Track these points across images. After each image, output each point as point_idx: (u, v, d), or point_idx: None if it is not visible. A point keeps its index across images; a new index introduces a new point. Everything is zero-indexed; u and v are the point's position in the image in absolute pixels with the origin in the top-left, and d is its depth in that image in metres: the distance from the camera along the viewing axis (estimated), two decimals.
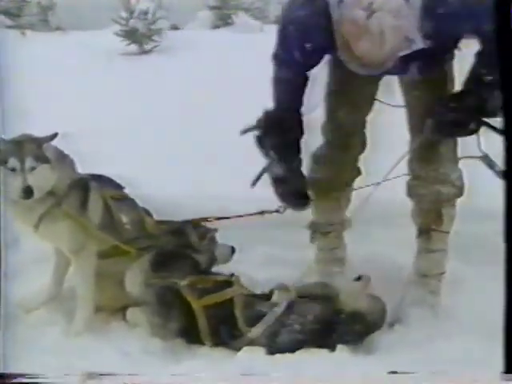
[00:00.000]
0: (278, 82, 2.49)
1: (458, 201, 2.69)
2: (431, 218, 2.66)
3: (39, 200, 2.44)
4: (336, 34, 2.20)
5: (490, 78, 2.27)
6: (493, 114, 2.32)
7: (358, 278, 2.58)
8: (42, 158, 2.42)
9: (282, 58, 2.45)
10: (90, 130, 4.05)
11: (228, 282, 2.54)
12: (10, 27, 5.86)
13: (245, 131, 2.56)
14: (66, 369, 2.19)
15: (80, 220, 2.51)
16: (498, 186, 2.72)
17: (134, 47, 6.15)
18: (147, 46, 6.18)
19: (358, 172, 2.77)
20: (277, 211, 2.64)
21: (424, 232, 2.69)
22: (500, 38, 2.05)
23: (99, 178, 2.66)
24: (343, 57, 2.23)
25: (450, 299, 2.65)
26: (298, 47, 2.35)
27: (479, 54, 2.32)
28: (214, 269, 2.68)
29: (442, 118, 2.37)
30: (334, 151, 2.70)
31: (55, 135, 2.48)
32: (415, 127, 2.58)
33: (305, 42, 2.33)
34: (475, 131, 2.37)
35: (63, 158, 2.56)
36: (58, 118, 3.70)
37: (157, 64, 5.73)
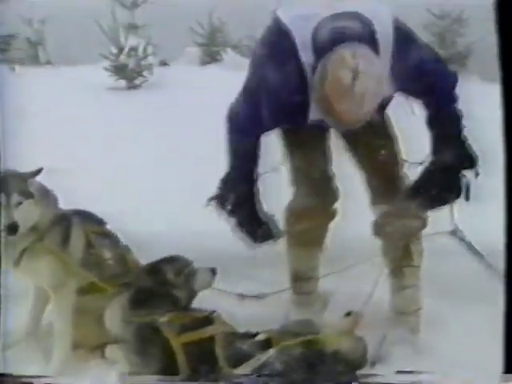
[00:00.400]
0: (237, 146, 2.52)
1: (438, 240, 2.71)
2: (401, 254, 2.67)
3: (21, 235, 2.44)
4: (314, 91, 2.24)
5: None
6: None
7: (348, 314, 2.58)
8: (27, 194, 2.43)
9: (245, 119, 2.45)
10: (77, 166, 4.06)
11: (209, 319, 2.51)
12: None
13: (210, 200, 2.66)
14: None
15: (61, 256, 2.51)
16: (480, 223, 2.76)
17: (122, 82, 6.19)
18: (136, 82, 6.23)
19: (334, 215, 2.76)
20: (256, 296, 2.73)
21: (396, 269, 2.69)
22: (502, 41, 2.14)
23: (82, 214, 2.66)
24: (321, 113, 2.26)
25: (430, 336, 2.65)
26: (268, 109, 2.37)
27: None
28: (196, 305, 2.65)
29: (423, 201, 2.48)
30: (305, 201, 2.69)
31: (40, 170, 2.49)
32: (367, 176, 2.67)
33: (276, 105, 2.34)
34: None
35: (46, 194, 2.56)
36: (46, 153, 3.70)
37: (145, 99, 5.76)
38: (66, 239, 2.54)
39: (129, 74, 6.19)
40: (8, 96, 4.73)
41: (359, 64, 2.14)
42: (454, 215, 2.57)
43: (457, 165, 2.41)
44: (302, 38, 2.27)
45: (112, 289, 2.55)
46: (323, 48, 2.21)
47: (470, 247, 2.65)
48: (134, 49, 6.27)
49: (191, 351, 2.39)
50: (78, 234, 2.58)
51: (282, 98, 2.33)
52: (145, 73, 6.27)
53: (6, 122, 4.08)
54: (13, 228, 2.37)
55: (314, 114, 2.33)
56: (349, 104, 2.16)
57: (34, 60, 6.56)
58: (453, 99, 2.44)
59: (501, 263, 2.31)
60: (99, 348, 2.53)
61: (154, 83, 6.23)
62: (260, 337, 2.46)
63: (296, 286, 2.84)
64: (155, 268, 2.62)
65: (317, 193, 2.68)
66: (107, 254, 2.62)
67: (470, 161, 2.43)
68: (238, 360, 2.39)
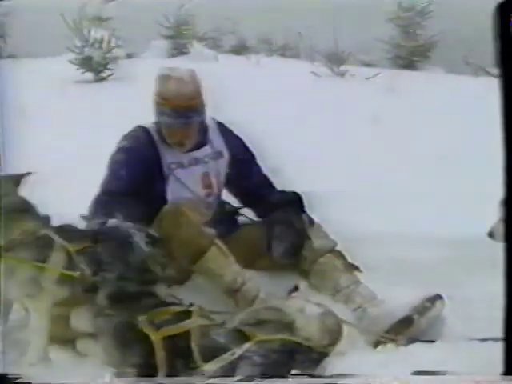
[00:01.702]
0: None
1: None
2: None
3: None
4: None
5: None
6: None
7: (295, 289, 2.66)
8: None
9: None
10: (44, 163, 4.01)
11: (187, 313, 2.48)
12: None
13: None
14: None
15: (37, 273, 2.46)
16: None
17: (89, 75, 6.14)
18: (102, 74, 6.19)
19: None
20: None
21: None
22: (501, 46, 2.16)
23: (64, 230, 2.60)
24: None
25: None
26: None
27: None
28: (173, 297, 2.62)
29: None
30: None
31: None
32: None
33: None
34: None
35: (24, 209, 2.50)
36: (12, 151, 3.64)
37: (112, 92, 5.72)
38: (44, 258, 2.48)
39: (94, 66, 6.14)
40: None
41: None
42: None
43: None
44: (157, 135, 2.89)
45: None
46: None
47: None
48: (98, 41, 6.21)
49: (169, 345, 2.37)
50: (58, 253, 2.51)
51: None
52: (111, 66, 6.22)
53: None
54: None
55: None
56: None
57: None
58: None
59: None
60: (70, 341, 2.52)
61: (121, 76, 6.19)
62: (233, 325, 2.47)
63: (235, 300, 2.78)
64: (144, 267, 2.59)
65: None
66: (87, 271, 2.55)
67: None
68: (214, 354, 2.36)
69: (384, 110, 5.21)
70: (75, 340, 2.51)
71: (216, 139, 2.98)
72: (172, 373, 2.36)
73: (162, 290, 2.59)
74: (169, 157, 2.87)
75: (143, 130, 2.90)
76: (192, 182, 2.89)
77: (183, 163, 2.89)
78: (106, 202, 2.75)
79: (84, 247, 2.59)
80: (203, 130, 2.94)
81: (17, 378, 1.99)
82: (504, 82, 2.17)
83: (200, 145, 2.93)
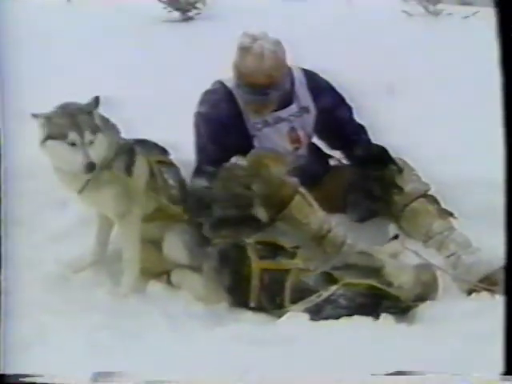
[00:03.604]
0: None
1: None
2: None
3: None
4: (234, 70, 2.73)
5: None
6: None
7: (395, 237, 2.62)
8: (96, 129, 2.42)
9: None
10: (132, 97, 4.05)
11: (291, 253, 2.52)
12: None
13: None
14: (113, 329, 2.25)
15: (125, 183, 2.52)
16: None
17: (176, 14, 6.13)
18: (189, 14, 6.16)
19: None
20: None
21: None
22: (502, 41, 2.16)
23: (144, 143, 2.66)
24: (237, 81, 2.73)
25: None
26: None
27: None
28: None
29: None
30: None
31: (98, 99, 2.46)
32: None
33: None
34: None
35: (107, 124, 2.55)
36: (101, 84, 3.71)
37: (199, 31, 5.71)
38: (129, 168, 2.54)
39: (183, 5, 6.12)
40: (63, 27, 4.74)
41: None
42: None
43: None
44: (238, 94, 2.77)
45: (177, 213, 2.58)
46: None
47: None
48: None
49: (265, 278, 2.43)
50: (141, 163, 2.58)
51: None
52: (199, 4, 6.18)
53: (59, 51, 4.11)
54: (90, 167, 2.38)
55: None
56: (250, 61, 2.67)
57: None
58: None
59: None
60: (164, 274, 2.59)
61: (208, 15, 6.15)
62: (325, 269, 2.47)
63: (323, 247, 2.73)
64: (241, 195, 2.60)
65: None
66: (171, 182, 2.63)
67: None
68: (302, 296, 2.41)
69: (482, 51, 4.92)
70: (169, 272, 2.58)
71: (302, 94, 2.86)
72: (258, 306, 2.42)
73: (261, 214, 2.59)
74: (253, 116, 2.80)
75: (225, 90, 2.80)
76: (279, 138, 2.83)
77: (268, 122, 2.82)
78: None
79: (162, 160, 2.66)
80: (288, 90, 2.82)
81: (17, 378, 2.04)
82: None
83: (286, 104, 2.84)
